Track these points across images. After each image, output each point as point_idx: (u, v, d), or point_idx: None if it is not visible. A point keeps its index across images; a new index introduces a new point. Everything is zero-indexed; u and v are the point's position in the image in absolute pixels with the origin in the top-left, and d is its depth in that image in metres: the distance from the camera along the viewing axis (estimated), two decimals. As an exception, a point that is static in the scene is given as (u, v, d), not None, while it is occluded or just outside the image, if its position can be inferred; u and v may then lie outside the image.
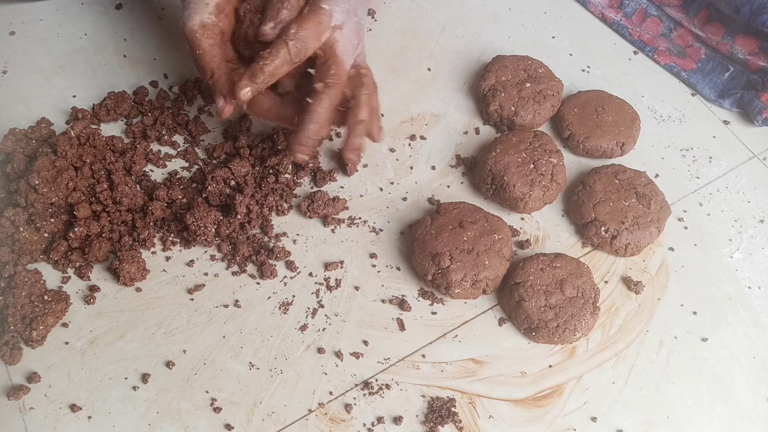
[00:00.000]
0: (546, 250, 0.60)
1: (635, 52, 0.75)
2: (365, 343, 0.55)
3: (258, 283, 0.57)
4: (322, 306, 0.56)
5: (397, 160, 0.65)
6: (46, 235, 0.55)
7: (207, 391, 0.52)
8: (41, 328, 0.52)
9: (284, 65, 0.53)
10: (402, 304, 0.56)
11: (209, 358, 0.53)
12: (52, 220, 0.55)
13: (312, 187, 0.62)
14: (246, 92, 0.53)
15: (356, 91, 0.56)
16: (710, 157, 0.68)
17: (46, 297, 0.53)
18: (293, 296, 0.56)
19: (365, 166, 0.64)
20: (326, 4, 0.54)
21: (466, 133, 0.67)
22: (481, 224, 0.57)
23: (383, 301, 0.57)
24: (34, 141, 0.60)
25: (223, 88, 0.55)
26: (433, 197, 0.63)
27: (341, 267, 0.58)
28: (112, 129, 0.64)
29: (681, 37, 0.76)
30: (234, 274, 0.57)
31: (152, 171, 0.62)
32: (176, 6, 0.74)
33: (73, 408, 0.50)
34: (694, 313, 0.58)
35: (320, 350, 0.54)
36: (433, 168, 0.65)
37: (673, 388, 0.54)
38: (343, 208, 0.61)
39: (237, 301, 0.56)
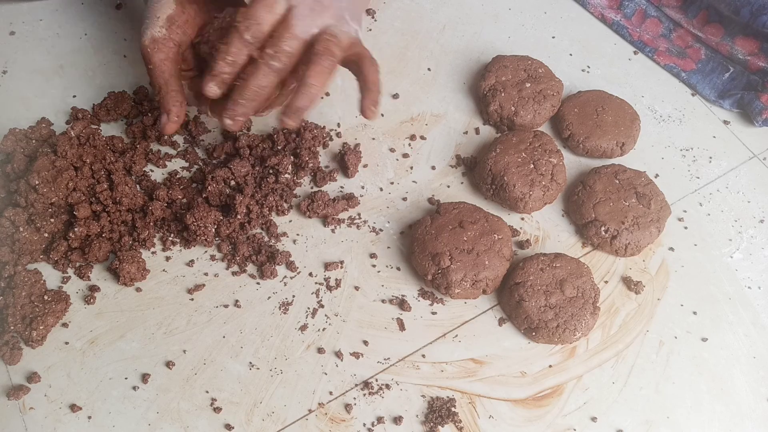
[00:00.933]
0: (546, 250, 0.60)
1: (635, 52, 0.75)
2: (365, 343, 0.55)
3: (258, 283, 0.57)
4: (322, 306, 0.56)
5: (397, 160, 0.65)
6: (46, 235, 0.55)
7: (207, 391, 0.52)
8: (41, 328, 0.52)
9: (241, 51, 0.50)
10: (402, 304, 0.56)
11: (209, 358, 0.53)
12: (52, 220, 0.55)
13: (312, 187, 0.62)
14: (213, 88, 0.51)
15: (313, 58, 0.51)
16: (710, 157, 0.68)
17: (46, 297, 0.53)
18: (293, 296, 0.56)
19: (365, 166, 0.64)
20: None
21: (466, 133, 0.67)
22: (481, 224, 0.58)
23: (383, 301, 0.57)
24: (34, 141, 0.60)
25: (168, 104, 0.55)
26: (433, 197, 0.63)
27: (341, 267, 0.58)
28: (112, 129, 0.64)
29: (681, 38, 0.76)
30: (234, 274, 0.57)
31: (152, 171, 0.62)
32: (176, 6, 0.74)
33: (73, 408, 0.50)
34: (694, 313, 0.58)
35: (320, 350, 0.54)
36: (433, 168, 0.65)
37: (673, 388, 0.54)
38: (356, 205, 0.61)
39: (237, 301, 0.56)
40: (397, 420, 0.51)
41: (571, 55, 0.74)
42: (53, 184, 0.55)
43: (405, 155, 0.65)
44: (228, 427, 0.50)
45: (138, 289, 0.56)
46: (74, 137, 0.59)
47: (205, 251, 0.58)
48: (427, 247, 0.56)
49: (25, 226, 0.55)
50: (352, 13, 0.55)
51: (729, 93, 0.72)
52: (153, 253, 0.58)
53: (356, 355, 0.54)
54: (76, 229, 0.55)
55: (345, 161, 0.62)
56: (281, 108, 0.53)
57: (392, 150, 0.65)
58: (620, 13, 0.77)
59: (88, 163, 0.58)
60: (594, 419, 0.52)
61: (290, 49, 0.50)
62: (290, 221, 0.60)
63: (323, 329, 0.55)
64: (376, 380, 0.53)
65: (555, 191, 0.61)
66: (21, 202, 0.55)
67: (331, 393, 0.52)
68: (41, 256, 0.56)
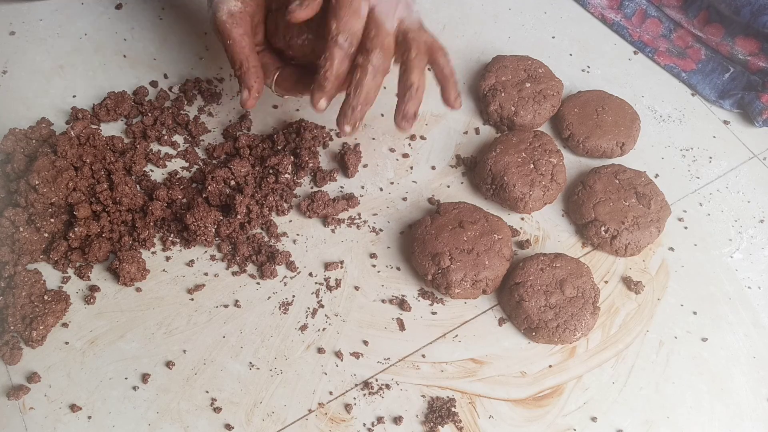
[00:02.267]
0: (546, 250, 0.60)
1: (635, 52, 0.75)
2: (365, 343, 0.55)
3: (258, 283, 0.57)
4: (322, 306, 0.56)
5: (397, 160, 0.65)
6: (46, 235, 0.55)
7: (207, 391, 0.52)
8: (41, 328, 0.52)
9: (343, 62, 0.52)
10: (402, 304, 0.56)
11: (209, 358, 0.53)
12: (52, 220, 0.55)
13: (312, 187, 0.62)
14: (323, 103, 0.53)
15: (404, 56, 0.53)
16: (710, 157, 0.68)
17: (46, 297, 0.53)
18: (293, 296, 0.56)
19: (365, 166, 0.64)
20: None
21: (466, 133, 0.67)
22: (481, 224, 0.58)
23: (383, 301, 0.57)
24: (34, 141, 0.59)
25: (250, 80, 0.55)
26: (433, 197, 0.63)
27: (341, 267, 0.58)
28: (112, 129, 0.64)
29: (681, 38, 0.76)
30: (234, 274, 0.57)
31: (152, 171, 0.62)
32: (176, 6, 0.74)
33: (73, 408, 0.50)
34: (694, 313, 0.58)
35: (320, 350, 0.54)
36: (433, 168, 0.65)
37: (673, 388, 0.54)
38: (356, 205, 0.61)
39: (237, 301, 0.56)
40: (397, 420, 0.51)
41: (571, 55, 0.74)
42: (53, 184, 0.55)
43: (405, 155, 0.65)
44: (228, 427, 0.50)
45: (138, 289, 0.56)
46: (74, 137, 0.59)
47: (205, 251, 0.58)
48: (427, 247, 0.56)
49: (25, 226, 0.55)
50: None
51: (729, 93, 0.72)
52: (153, 253, 0.58)
53: (356, 355, 0.54)
54: (76, 229, 0.55)
55: (345, 161, 0.62)
56: (396, 117, 0.54)
57: (392, 150, 0.65)
58: (620, 13, 0.77)
59: (88, 163, 0.58)
60: (594, 419, 0.52)
61: (389, 46, 0.52)
62: (290, 221, 0.60)
63: (323, 329, 0.55)
64: (376, 380, 0.53)
65: (555, 191, 0.61)
66: (21, 202, 0.55)
67: (331, 393, 0.52)
68: (41, 256, 0.56)
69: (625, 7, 0.77)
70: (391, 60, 0.53)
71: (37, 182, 0.55)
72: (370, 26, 0.52)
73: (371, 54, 0.51)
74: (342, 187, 0.63)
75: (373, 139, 0.66)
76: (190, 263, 0.57)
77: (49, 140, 0.59)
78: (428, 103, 0.69)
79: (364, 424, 0.51)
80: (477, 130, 0.67)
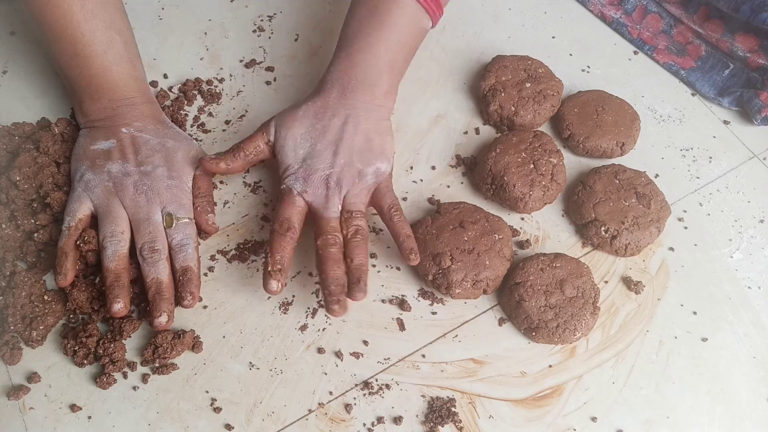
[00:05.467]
0: (546, 250, 0.60)
1: (635, 52, 0.75)
2: (365, 343, 0.55)
3: (258, 283, 0.57)
4: (322, 306, 0.56)
5: (397, 160, 0.65)
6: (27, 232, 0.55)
7: (207, 391, 0.52)
8: (41, 328, 0.52)
9: (281, 244, 0.54)
10: (402, 304, 0.56)
11: (209, 358, 0.53)
12: (32, 219, 0.55)
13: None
14: (273, 284, 0.53)
15: (343, 236, 0.56)
16: (710, 157, 0.68)
17: (46, 297, 0.53)
18: (293, 296, 0.56)
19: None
20: (283, 183, 0.57)
21: (466, 133, 0.67)
22: (482, 224, 0.57)
23: (383, 301, 0.57)
24: (17, 137, 0.59)
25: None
26: (433, 197, 0.63)
27: (341, 267, 0.58)
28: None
29: (681, 34, 0.76)
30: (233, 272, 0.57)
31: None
32: (176, 6, 0.74)
33: (73, 408, 0.50)
34: (694, 313, 0.58)
35: (320, 350, 0.54)
36: (433, 168, 0.65)
37: (673, 388, 0.54)
38: None
39: (237, 300, 0.56)
40: (397, 420, 0.51)
41: (571, 55, 0.74)
42: (34, 180, 0.55)
43: (405, 155, 0.65)
44: (228, 427, 0.50)
45: (138, 289, 0.56)
46: (57, 134, 0.58)
47: (205, 250, 0.58)
48: (428, 247, 0.56)
49: (7, 223, 0.54)
50: (365, 157, 0.58)
51: (728, 90, 0.72)
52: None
53: (356, 355, 0.54)
54: (35, 235, 0.54)
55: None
56: (349, 288, 0.54)
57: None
58: (620, 9, 0.77)
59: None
60: (594, 419, 0.52)
61: (331, 229, 0.55)
62: (290, 221, 0.60)
63: (323, 329, 0.55)
64: (376, 380, 0.53)
65: (555, 191, 0.61)
66: (2, 198, 0.55)
67: (331, 393, 0.52)
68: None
69: (626, 3, 0.77)
70: (341, 239, 0.55)
71: (18, 178, 0.55)
72: (313, 218, 0.57)
73: (318, 243, 0.55)
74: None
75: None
76: (190, 263, 0.57)
77: (32, 137, 0.59)
78: (429, 103, 0.69)
79: (364, 424, 0.51)
80: (477, 130, 0.67)
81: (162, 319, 0.51)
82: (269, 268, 0.53)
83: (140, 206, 0.54)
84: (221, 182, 0.62)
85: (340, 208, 0.57)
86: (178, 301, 0.53)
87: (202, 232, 0.58)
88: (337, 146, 0.58)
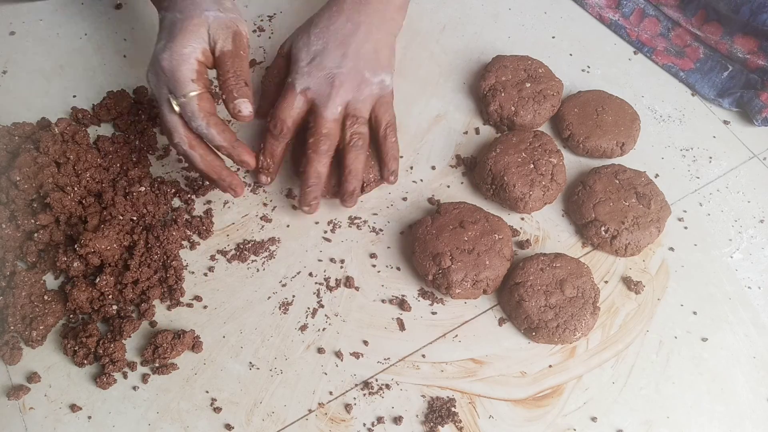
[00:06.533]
0: (546, 250, 0.60)
1: (635, 52, 0.75)
2: (365, 343, 0.55)
3: (258, 283, 0.57)
4: (322, 306, 0.56)
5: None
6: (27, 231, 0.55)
7: (207, 391, 0.52)
8: (41, 328, 0.52)
9: (273, 144, 0.58)
10: (402, 304, 0.56)
11: (209, 358, 0.53)
12: (32, 219, 0.55)
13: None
14: (262, 178, 0.59)
15: (341, 141, 0.58)
16: (710, 157, 0.68)
17: (46, 297, 0.53)
18: (293, 296, 0.56)
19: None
20: (289, 77, 0.59)
21: (466, 133, 0.67)
22: (482, 224, 0.57)
23: (383, 301, 0.57)
24: (17, 137, 0.59)
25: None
26: (433, 197, 0.63)
27: (341, 267, 0.58)
28: (112, 129, 0.64)
29: (679, 37, 0.76)
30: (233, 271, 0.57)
31: (152, 167, 0.62)
32: (176, 6, 0.74)
33: (73, 408, 0.50)
34: (694, 313, 0.58)
35: (320, 350, 0.54)
36: (433, 168, 0.65)
37: (673, 388, 0.54)
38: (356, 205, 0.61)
39: (237, 300, 0.56)
40: (397, 420, 0.51)
41: (571, 55, 0.74)
42: (34, 180, 0.55)
43: (405, 155, 0.65)
44: (228, 427, 0.50)
45: (138, 289, 0.56)
46: (57, 134, 0.58)
47: (205, 250, 0.58)
48: (428, 247, 0.56)
49: (7, 223, 0.54)
50: (372, 65, 0.59)
51: (728, 92, 0.72)
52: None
53: (356, 355, 0.54)
54: (35, 235, 0.55)
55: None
56: (339, 197, 0.59)
57: (392, 150, 0.65)
58: (618, 12, 0.77)
59: (71, 160, 0.57)
60: (594, 419, 0.52)
61: (328, 133, 0.57)
62: (288, 225, 0.60)
63: (323, 329, 0.55)
64: (376, 380, 0.53)
65: (555, 191, 0.61)
66: (2, 198, 0.55)
67: (331, 393, 0.52)
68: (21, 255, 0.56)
69: (623, 6, 0.77)
70: (334, 145, 0.57)
71: (18, 178, 0.55)
72: (310, 117, 0.58)
73: (310, 141, 0.56)
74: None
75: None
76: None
77: (32, 137, 0.59)
78: (429, 103, 0.69)
79: (364, 424, 0.51)
80: (477, 130, 0.67)
81: (244, 108, 0.54)
82: (259, 165, 0.57)
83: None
84: (221, 182, 0.62)
85: (340, 110, 0.57)
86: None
87: None
88: (347, 49, 0.59)
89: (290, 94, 0.58)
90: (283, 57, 0.62)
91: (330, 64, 0.58)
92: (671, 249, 0.61)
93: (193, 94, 0.53)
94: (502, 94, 0.66)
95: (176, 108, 0.53)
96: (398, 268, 0.59)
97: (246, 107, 0.54)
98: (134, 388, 0.51)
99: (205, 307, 0.56)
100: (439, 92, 0.70)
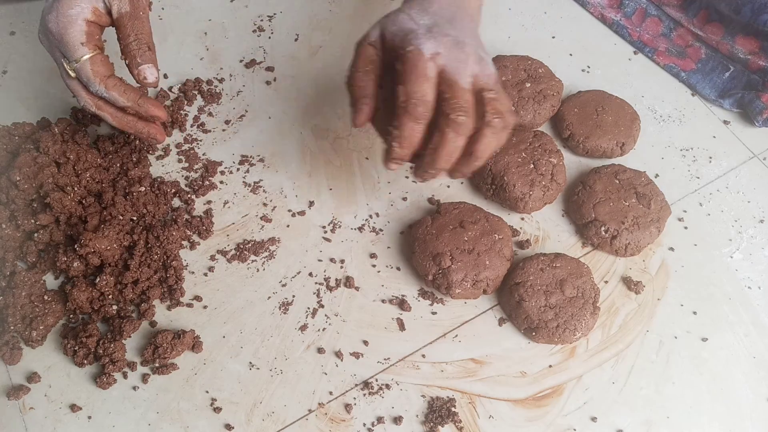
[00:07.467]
0: (546, 250, 0.60)
1: (635, 52, 0.75)
2: (365, 343, 0.55)
3: (258, 283, 0.57)
4: (322, 306, 0.56)
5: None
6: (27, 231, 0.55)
7: (207, 391, 0.52)
8: (41, 328, 0.52)
9: (414, 128, 0.48)
10: (402, 304, 0.56)
11: (209, 358, 0.53)
12: (32, 220, 0.55)
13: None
14: (393, 166, 0.51)
15: (484, 127, 0.49)
16: (710, 157, 0.68)
17: (46, 297, 0.53)
18: (293, 296, 0.56)
19: (367, 158, 0.64)
20: (410, 44, 0.49)
21: (466, 133, 0.67)
22: (482, 224, 0.57)
23: (383, 301, 0.57)
24: (17, 137, 0.59)
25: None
26: (433, 197, 0.63)
27: (341, 267, 0.58)
28: (111, 129, 0.64)
29: (681, 37, 0.76)
30: (233, 271, 0.57)
31: (152, 167, 0.62)
32: (176, 6, 0.74)
33: (73, 408, 0.50)
34: (694, 313, 0.58)
35: (320, 350, 0.54)
36: (433, 168, 0.65)
37: (673, 388, 0.54)
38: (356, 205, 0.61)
39: (237, 300, 0.56)
40: (397, 420, 0.51)
41: (571, 55, 0.74)
42: (34, 180, 0.55)
43: (405, 155, 0.65)
44: (228, 427, 0.50)
45: (138, 289, 0.56)
46: (57, 134, 0.58)
47: (205, 250, 0.58)
48: (428, 247, 0.56)
49: (7, 223, 0.54)
50: (482, 47, 0.52)
51: (729, 92, 0.72)
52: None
53: (356, 355, 0.54)
54: (36, 235, 0.54)
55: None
56: (448, 171, 0.51)
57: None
58: (620, 12, 0.77)
59: (71, 160, 0.57)
60: (594, 419, 0.52)
61: (467, 105, 0.48)
62: (288, 226, 0.60)
63: (323, 329, 0.55)
64: (376, 380, 0.53)
65: (555, 191, 0.61)
66: (2, 198, 0.55)
67: (331, 393, 0.52)
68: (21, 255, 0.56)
69: (625, 6, 0.77)
70: (473, 118, 0.48)
71: (18, 178, 0.55)
72: (443, 87, 0.48)
73: (450, 116, 0.48)
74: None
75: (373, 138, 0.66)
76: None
77: (32, 137, 0.59)
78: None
79: (364, 424, 0.51)
80: (477, 130, 0.67)
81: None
82: (394, 154, 0.49)
83: None
84: (221, 182, 0.62)
85: (471, 81, 0.49)
86: None
87: None
88: (458, 26, 0.51)
89: (419, 61, 0.48)
90: (372, 45, 0.52)
91: (452, 32, 0.50)
92: (671, 249, 0.61)
93: (85, 57, 0.50)
94: (502, 94, 0.66)
95: (71, 73, 0.51)
96: (398, 268, 0.59)
97: (151, 73, 0.51)
98: (134, 388, 0.51)
99: (205, 307, 0.56)
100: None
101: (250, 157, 0.64)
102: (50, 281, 0.55)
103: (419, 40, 0.49)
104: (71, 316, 0.53)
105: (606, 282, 0.59)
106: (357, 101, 0.51)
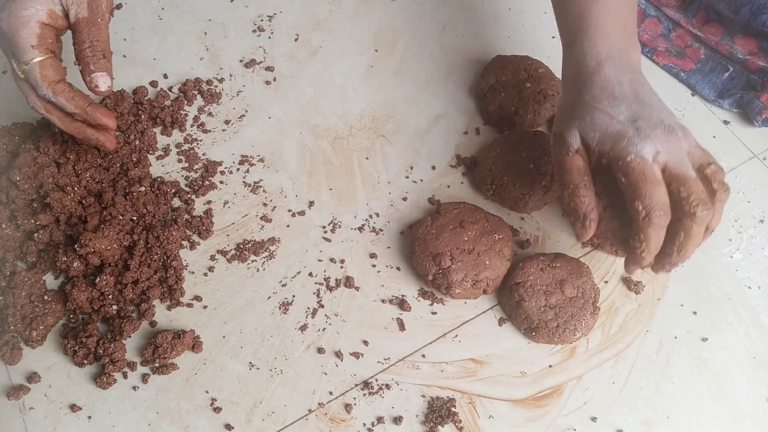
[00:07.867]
0: (546, 250, 0.60)
1: (635, 52, 0.75)
2: (365, 343, 0.55)
3: (258, 283, 0.57)
4: (322, 306, 0.56)
5: (397, 160, 0.65)
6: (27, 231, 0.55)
7: (207, 391, 0.52)
8: (41, 328, 0.52)
9: (659, 237, 0.47)
10: (402, 304, 0.56)
11: (209, 358, 0.53)
12: (32, 220, 0.55)
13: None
14: (634, 271, 0.50)
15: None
16: (710, 157, 0.68)
17: (46, 297, 0.53)
18: (293, 296, 0.56)
19: (367, 158, 0.64)
20: (628, 153, 0.47)
21: (466, 133, 0.67)
22: (482, 224, 0.58)
23: (383, 301, 0.57)
24: (17, 137, 0.59)
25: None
26: (433, 197, 0.63)
27: (341, 267, 0.58)
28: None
29: (680, 38, 0.76)
30: (233, 272, 0.57)
31: (152, 167, 0.62)
32: (176, 6, 0.74)
33: (73, 408, 0.50)
34: (694, 313, 0.58)
35: (320, 350, 0.54)
36: (433, 168, 0.65)
37: (673, 388, 0.54)
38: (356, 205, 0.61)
39: (237, 300, 0.56)
40: (397, 420, 0.51)
41: (571, 55, 0.74)
42: (34, 180, 0.55)
43: (405, 155, 0.65)
44: (228, 427, 0.50)
45: (138, 289, 0.56)
46: (57, 134, 0.58)
47: (205, 250, 0.58)
48: (428, 247, 0.56)
49: (7, 223, 0.54)
50: (668, 109, 0.50)
51: (728, 93, 0.72)
52: (153, 253, 0.58)
53: (356, 355, 0.54)
54: (36, 234, 0.54)
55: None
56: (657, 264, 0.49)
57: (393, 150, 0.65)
58: (620, 13, 0.77)
59: (71, 160, 0.57)
60: (594, 419, 0.52)
61: (703, 194, 0.46)
62: (288, 226, 0.60)
63: (323, 329, 0.55)
64: (376, 380, 0.53)
65: (555, 191, 0.61)
66: (2, 198, 0.55)
67: (331, 393, 0.52)
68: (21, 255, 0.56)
69: (625, 7, 0.77)
70: (713, 207, 0.47)
71: (18, 178, 0.55)
72: (674, 185, 0.46)
73: (696, 215, 0.46)
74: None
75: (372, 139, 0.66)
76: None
77: (32, 137, 0.59)
78: (429, 103, 0.69)
79: (364, 424, 0.51)
80: (477, 130, 0.67)
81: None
82: (644, 263, 0.47)
83: None
84: (221, 182, 0.62)
85: (691, 164, 0.47)
86: None
87: None
88: (648, 104, 0.49)
89: (647, 170, 0.46)
90: (578, 154, 0.50)
91: (656, 116, 0.47)
92: (671, 249, 0.61)
93: (35, 61, 0.49)
94: (502, 94, 0.66)
95: (20, 75, 0.51)
96: (398, 268, 0.59)
97: (104, 81, 0.51)
98: (134, 388, 0.51)
99: (205, 307, 0.56)
100: (439, 92, 0.70)
101: (250, 157, 0.64)
102: (50, 281, 0.55)
103: (636, 146, 0.47)
104: (71, 316, 0.53)
105: (606, 282, 0.59)
106: (584, 217, 0.49)
